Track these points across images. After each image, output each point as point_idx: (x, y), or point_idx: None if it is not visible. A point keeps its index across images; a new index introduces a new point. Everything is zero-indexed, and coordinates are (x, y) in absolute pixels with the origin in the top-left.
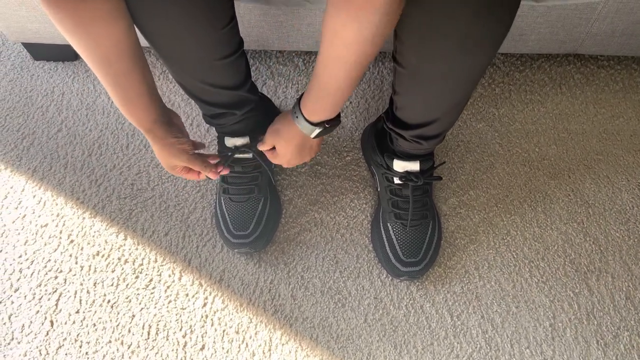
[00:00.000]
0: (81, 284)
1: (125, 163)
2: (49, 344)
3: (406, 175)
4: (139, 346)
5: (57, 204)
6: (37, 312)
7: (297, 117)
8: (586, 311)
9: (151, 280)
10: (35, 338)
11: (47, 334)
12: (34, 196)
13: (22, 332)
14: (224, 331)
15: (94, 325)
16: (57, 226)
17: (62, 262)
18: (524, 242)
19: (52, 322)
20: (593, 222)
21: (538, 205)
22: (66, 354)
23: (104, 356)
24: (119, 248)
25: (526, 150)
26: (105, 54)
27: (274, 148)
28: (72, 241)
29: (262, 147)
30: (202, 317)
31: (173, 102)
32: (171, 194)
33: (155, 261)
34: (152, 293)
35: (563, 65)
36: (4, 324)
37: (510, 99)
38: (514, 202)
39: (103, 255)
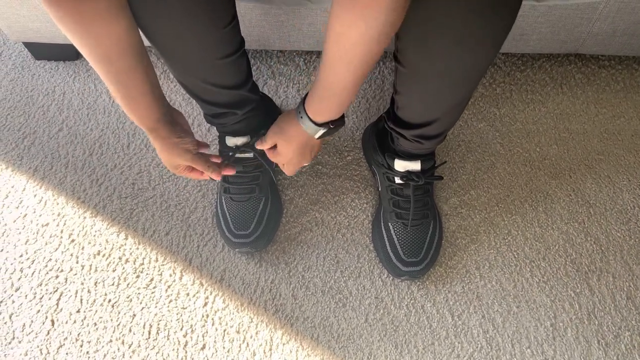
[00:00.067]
0: (82, 284)
1: (126, 162)
2: (50, 343)
3: (407, 175)
4: (139, 345)
5: (58, 204)
6: (38, 311)
7: (301, 117)
8: (587, 311)
9: (152, 279)
10: (36, 337)
11: (48, 333)
12: (35, 195)
13: (23, 331)
14: (224, 331)
15: (95, 324)
16: (58, 225)
17: (63, 261)
18: (525, 242)
19: (53, 321)
20: (594, 222)
21: (539, 205)
22: (67, 354)
23: (104, 355)
24: (119, 247)
25: (527, 150)
26: (106, 52)
27: (274, 147)
28: (73, 240)
29: (262, 146)
30: (203, 316)
31: (174, 101)
32: (172, 194)
33: (156, 260)
34: (153, 292)
35: (564, 65)
36: (5, 323)
37: (511, 98)
38: (515, 201)
39: (104, 255)
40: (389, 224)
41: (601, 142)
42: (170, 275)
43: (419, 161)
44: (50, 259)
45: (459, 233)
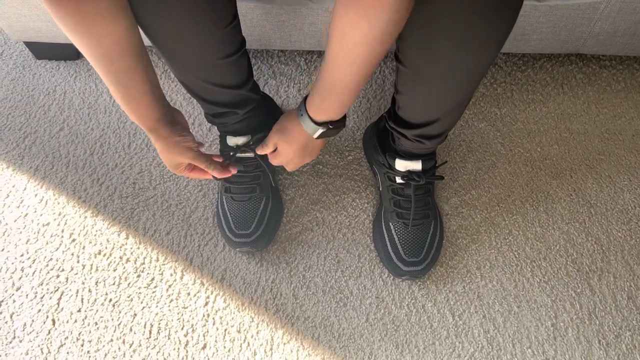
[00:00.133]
0: (83, 283)
1: (127, 162)
2: (51, 342)
3: (408, 175)
4: (140, 345)
5: (58, 203)
6: (39, 310)
7: (302, 115)
8: (588, 311)
9: (153, 279)
10: (37, 337)
11: (49, 332)
12: (36, 195)
13: (23, 330)
14: (225, 330)
15: (96, 324)
16: (59, 225)
17: (63, 260)
18: (526, 242)
19: (53, 320)
20: (595, 222)
21: (540, 205)
22: (68, 353)
23: (105, 355)
24: (120, 247)
25: (528, 150)
26: (106, 52)
27: (275, 150)
28: (73, 240)
29: (264, 150)
30: (203, 316)
31: (175, 101)
32: (173, 193)
33: (157, 260)
34: (153, 292)
35: (565, 65)
36: (6, 322)
37: (512, 98)
38: (515, 201)
39: (105, 254)
40: (390, 223)
41: (602, 142)
42: (171, 275)
43: (420, 161)
44: (51, 259)
45: (460, 233)
